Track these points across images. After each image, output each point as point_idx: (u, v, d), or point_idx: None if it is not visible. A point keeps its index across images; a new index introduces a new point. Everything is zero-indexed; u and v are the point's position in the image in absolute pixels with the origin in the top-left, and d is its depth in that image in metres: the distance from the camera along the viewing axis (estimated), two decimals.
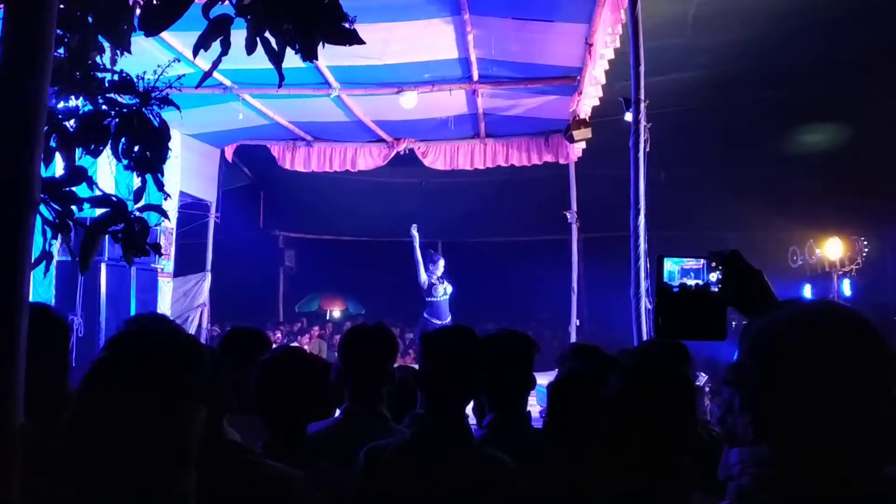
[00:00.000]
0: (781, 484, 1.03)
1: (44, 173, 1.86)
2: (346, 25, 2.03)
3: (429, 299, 9.29)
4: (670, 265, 1.44)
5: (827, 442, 1.02)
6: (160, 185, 2.42)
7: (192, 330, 10.77)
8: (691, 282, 1.42)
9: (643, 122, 4.94)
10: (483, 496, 2.03)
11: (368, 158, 11.11)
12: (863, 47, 6.99)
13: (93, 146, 2.30)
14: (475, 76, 8.14)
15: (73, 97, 2.34)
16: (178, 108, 2.41)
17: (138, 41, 2.43)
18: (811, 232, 11.46)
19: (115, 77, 2.34)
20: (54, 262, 2.31)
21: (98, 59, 2.38)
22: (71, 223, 2.16)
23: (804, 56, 7.13)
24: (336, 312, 16.86)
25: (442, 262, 9.40)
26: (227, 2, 2.02)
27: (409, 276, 9.64)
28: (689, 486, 1.64)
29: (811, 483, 1.02)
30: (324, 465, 2.10)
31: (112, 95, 2.33)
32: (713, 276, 1.41)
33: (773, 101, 8.38)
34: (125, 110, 2.31)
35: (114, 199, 2.24)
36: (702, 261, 1.43)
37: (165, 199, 2.68)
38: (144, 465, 1.26)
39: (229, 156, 11.50)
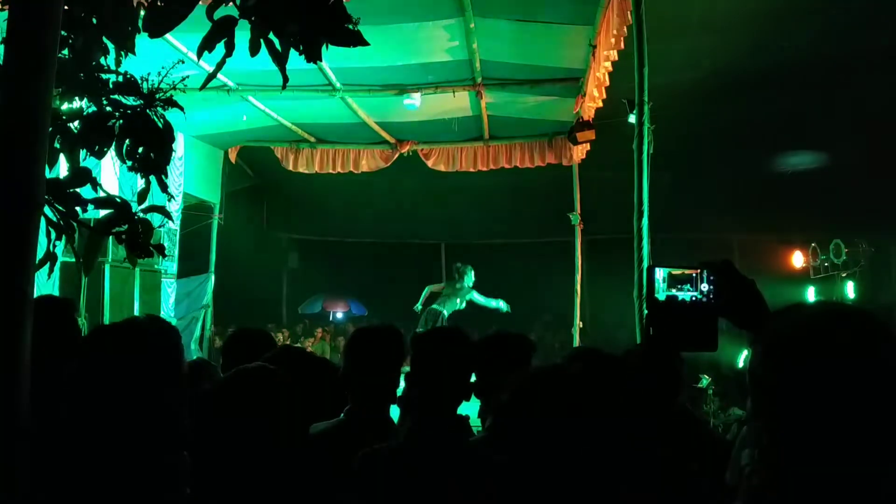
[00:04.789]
0: (794, 486, 1.03)
1: (48, 174, 1.87)
2: (350, 27, 2.03)
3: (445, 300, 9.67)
4: (662, 275, 1.43)
5: (842, 444, 1.01)
6: (164, 187, 2.42)
7: (195, 331, 10.79)
8: (685, 294, 1.42)
9: (647, 124, 4.94)
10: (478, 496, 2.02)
11: (372, 160, 11.12)
12: (867, 49, 6.98)
13: (97, 147, 2.30)
14: (479, 78, 8.14)
15: (77, 98, 2.34)
16: (182, 109, 2.41)
17: (142, 42, 2.44)
18: (814, 234, 11.41)
19: (119, 78, 2.35)
20: (58, 264, 2.32)
21: (102, 60, 2.39)
22: (75, 224, 2.16)
23: (810, 58, 7.11)
24: (339, 314, 16.84)
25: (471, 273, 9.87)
26: (230, 3, 2.01)
27: (411, 278, 9.65)
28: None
29: (824, 485, 1.01)
30: None
31: (116, 97, 2.33)
32: (705, 287, 1.41)
33: (777, 103, 8.36)
34: (129, 111, 2.31)
35: (118, 200, 2.25)
36: (694, 271, 1.42)
37: (169, 200, 2.68)
38: (130, 442, 1.35)
39: (233, 157, 11.52)
